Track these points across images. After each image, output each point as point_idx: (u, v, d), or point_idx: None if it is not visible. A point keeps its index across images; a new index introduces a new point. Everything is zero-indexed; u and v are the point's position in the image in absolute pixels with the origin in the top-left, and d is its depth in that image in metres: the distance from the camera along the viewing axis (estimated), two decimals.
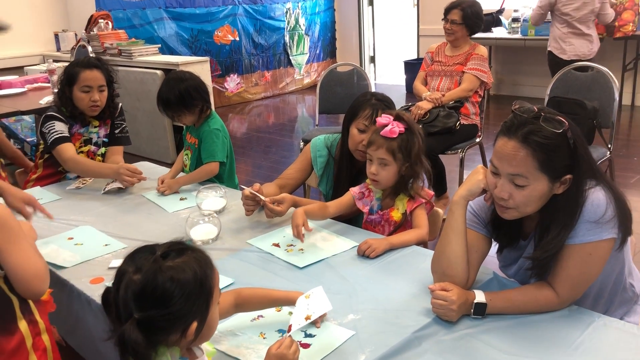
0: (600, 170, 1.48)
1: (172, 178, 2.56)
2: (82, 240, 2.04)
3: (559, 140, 1.34)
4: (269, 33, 8.11)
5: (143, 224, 2.17)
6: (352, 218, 2.19)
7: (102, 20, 5.64)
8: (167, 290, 1.01)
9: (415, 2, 7.87)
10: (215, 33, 7.44)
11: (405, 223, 1.98)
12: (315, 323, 1.43)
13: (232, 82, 7.75)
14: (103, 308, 1.07)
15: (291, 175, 2.33)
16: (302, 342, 1.38)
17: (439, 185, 3.73)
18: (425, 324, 1.44)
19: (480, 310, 1.44)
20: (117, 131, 2.78)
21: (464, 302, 1.43)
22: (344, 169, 2.22)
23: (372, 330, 1.43)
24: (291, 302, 1.44)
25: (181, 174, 2.67)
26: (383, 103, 2.14)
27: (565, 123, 1.34)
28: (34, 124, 4.68)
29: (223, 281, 1.68)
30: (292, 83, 8.60)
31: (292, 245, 1.92)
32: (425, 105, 3.55)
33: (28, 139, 4.74)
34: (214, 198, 2.26)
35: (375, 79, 8.99)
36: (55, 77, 4.08)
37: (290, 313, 1.50)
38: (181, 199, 2.42)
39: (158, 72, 4.96)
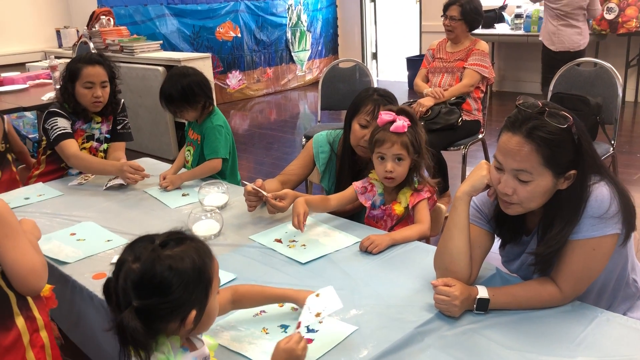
0: (604, 165, 1.47)
1: (173, 174, 2.56)
2: (84, 236, 2.04)
3: (564, 135, 1.33)
4: (270, 29, 8.10)
5: (145, 220, 2.17)
6: (354, 214, 2.19)
7: (103, 17, 5.63)
8: (166, 279, 1.02)
9: None
10: (217, 29, 7.44)
11: (407, 217, 1.98)
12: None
13: (234, 79, 7.75)
14: (105, 298, 1.08)
15: (293, 171, 2.33)
16: (304, 337, 1.38)
17: (442, 181, 3.72)
18: (428, 320, 1.44)
19: (482, 306, 1.44)
20: (119, 127, 2.77)
21: (466, 298, 1.43)
22: (346, 165, 2.22)
23: (375, 325, 1.43)
24: (287, 299, 1.45)
25: (183, 170, 2.67)
26: (385, 99, 2.13)
27: (569, 118, 1.34)
28: (36, 121, 4.69)
29: (225, 277, 1.68)
30: (294, 79, 8.59)
31: (294, 240, 1.92)
32: (426, 102, 3.54)
33: (30, 136, 4.75)
34: (216, 194, 2.26)
35: (377, 76, 8.98)
36: (57, 74, 4.08)
37: (293, 309, 1.50)
38: (183, 195, 2.42)
39: (160, 68, 4.96)
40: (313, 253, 1.82)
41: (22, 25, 6.49)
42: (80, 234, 2.06)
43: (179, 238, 1.09)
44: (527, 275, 1.57)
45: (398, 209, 1.98)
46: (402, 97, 6.12)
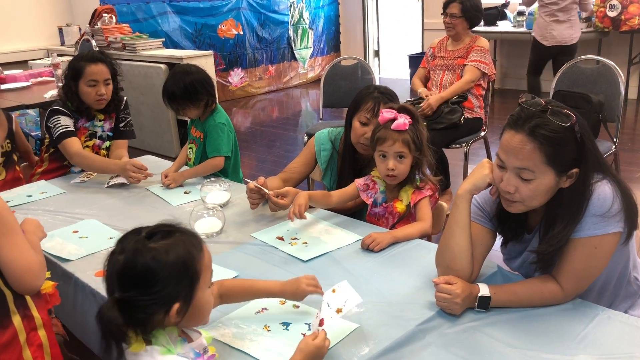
0: (607, 163, 1.47)
1: (175, 172, 2.56)
2: (87, 233, 2.05)
3: (566, 133, 1.33)
4: (273, 27, 8.10)
5: (147, 218, 2.17)
6: (356, 211, 2.20)
7: (106, 14, 5.64)
8: (146, 271, 1.02)
9: None
10: (219, 27, 7.44)
11: (409, 215, 1.98)
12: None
13: (236, 76, 7.75)
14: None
15: (295, 169, 2.33)
16: (306, 335, 1.38)
17: (443, 179, 3.72)
18: (429, 317, 1.44)
19: (484, 304, 1.44)
20: (121, 125, 2.78)
21: (468, 296, 1.43)
22: (348, 163, 2.22)
23: (376, 323, 1.43)
24: (273, 294, 1.44)
25: (184, 168, 2.68)
26: (385, 96, 2.13)
27: (572, 116, 1.33)
28: (39, 118, 4.70)
29: (227, 274, 1.69)
30: (296, 77, 8.59)
31: (296, 238, 1.92)
32: (435, 103, 3.53)
33: (33, 133, 4.76)
34: (218, 191, 2.26)
35: (379, 73, 8.97)
36: (59, 71, 4.09)
37: (295, 306, 1.50)
38: (185, 193, 2.43)
39: (162, 66, 4.96)
40: (315, 251, 1.82)
41: (25, 23, 6.49)
42: (82, 231, 2.06)
43: (168, 231, 1.08)
44: (529, 273, 1.57)
45: (400, 206, 1.98)
46: (404, 95, 6.12)
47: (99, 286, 1.65)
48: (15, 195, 2.45)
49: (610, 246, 1.41)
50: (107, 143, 2.75)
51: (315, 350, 1.19)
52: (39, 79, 4.73)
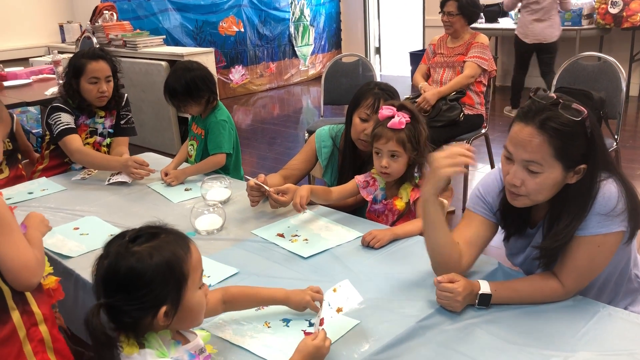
0: (613, 162, 1.46)
1: (174, 169, 2.56)
2: (87, 230, 2.05)
3: (576, 128, 1.32)
4: (273, 24, 8.09)
5: (148, 215, 2.17)
6: (356, 208, 2.20)
7: (106, 12, 5.63)
8: (130, 275, 1.00)
9: None
10: (220, 24, 7.43)
11: (409, 212, 1.98)
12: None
13: (237, 74, 7.74)
14: None
15: (296, 165, 2.33)
16: (306, 332, 1.39)
17: None
18: (430, 314, 1.44)
19: (484, 301, 1.44)
20: (122, 122, 2.78)
21: (469, 294, 1.43)
22: (348, 159, 2.22)
23: (377, 319, 1.43)
24: (278, 302, 1.44)
25: (185, 165, 2.68)
26: (386, 92, 2.13)
27: (584, 112, 1.32)
28: (40, 116, 4.70)
29: (227, 271, 1.69)
30: (297, 74, 8.58)
31: (296, 235, 1.92)
32: (432, 98, 3.52)
33: (34, 131, 4.75)
34: (218, 188, 2.26)
35: (380, 70, 8.96)
36: (60, 68, 4.09)
37: None
38: (186, 190, 2.43)
39: (163, 63, 4.95)
40: (315, 247, 1.82)
41: (26, 20, 6.49)
42: (83, 228, 2.07)
43: (152, 233, 1.06)
44: (531, 269, 1.57)
45: (399, 204, 1.98)
46: (405, 92, 6.11)
47: None
48: (16, 192, 2.45)
49: (612, 245, 1.40)
50: (107, 140, 2.75)
51: (314, 350, 1.18)
52: (40, 76, 4.73)
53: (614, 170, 1.42)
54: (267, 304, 1.47)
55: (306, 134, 3.97)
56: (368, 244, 1.81)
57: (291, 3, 8.24)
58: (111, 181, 2.53)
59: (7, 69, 4.84)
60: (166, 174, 2.50)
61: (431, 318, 1.42)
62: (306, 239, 1.89)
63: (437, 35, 3.93)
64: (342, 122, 2.30)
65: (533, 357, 1.26)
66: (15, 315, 1.41)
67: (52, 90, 4.00)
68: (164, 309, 1.02)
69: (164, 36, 5.73)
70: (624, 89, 3.23)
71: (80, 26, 6.32)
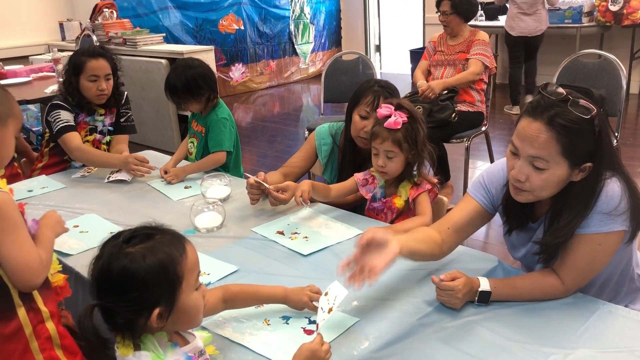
0: (619, 161, 1.44)
1: (173, 166, 2.56)
2: (87, 228, 2.05)
3: (585, 126, 1.31)
4: (274, 22, 8.08)
5: (148, 212, 2.17)
6: (356, 206, 2.19)
7: (106, 9, 5.63)
8: (122, 277, 0.99)
9: None
10: (220, 22, 7.42)
11: (408, 210, 1.98)
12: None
13: (237, 72, 7.74)
14: None
15: (295, 163, 2.33)
16: (306, 329, 1.39)
17: (442, 173, 3.71)
18: (429, 311, 1.44)
19: (484, 298, 1.44)
20: (122, 120, 2.77)
21: (468, 291, 1.43)
22: (348, 157, 2.22)
23: (376, 317, 1.43)
24: (277, 300, 1.43)
25: (184, 162, 2.67)
26: (385, 90, 2.13)
27: (593, 109, 1.31)
28: (40, 114, 4.69)
29: (227, 269, 1.69)
30: (297, 72, 8.58)
31: (296, 232, 1.92)
32: (437, 87, 3.48)
33: (34, 129, 4.76)
34: (218, 186, 2.26)
35: (380, 68, 8.95)
36: (60, 66, 4.09)
37: None
38: (186, 188, 2.43)
39: (163, 61, 4.95)
40: (315, 245, 1.82)
41: (26, 18, 6.49)
42: (83, 226, 2.06)
43: (147, 234, 1.05)
44: (531, 263, 1.57)
45: (398, 202, 1.97)
46: (405, 90, 6.11)
47: None
48: (16, 190, 2.45)
49: (613, 244, 1.40)
50: (107, 138, 2.75)
51: (309, 354, 1.17)
52: (40, 74, 4.73)
53: (618, 169, 1.41)
54: (266, 302, 1.46)
55: (306, 132, 3.97)
56: None
57: (291, 1, 8.23)
58: (111, 179, 2.52)
59: (7, 67, 4.84)
60: (165, 172, 2.50)
61: (431, 315, 1.42)
62: (306, 237, 1.89)
63: (437, 33, 3.93)
64: (342, 119, 2.29)
65: (533, 354, 1.26)
66: (22, 312, 1.41)
67: (52, 88, 4.00)
68: (157, 310, 1.01)
69: (164, 34, 5.73)
70: (624, 86, 3.22)
71: (80, 24, 6.31)
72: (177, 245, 1.06)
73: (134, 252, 1.01)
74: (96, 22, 5.60)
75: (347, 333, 1.37)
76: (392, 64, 9.01)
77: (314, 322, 1.41)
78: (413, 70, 7.56)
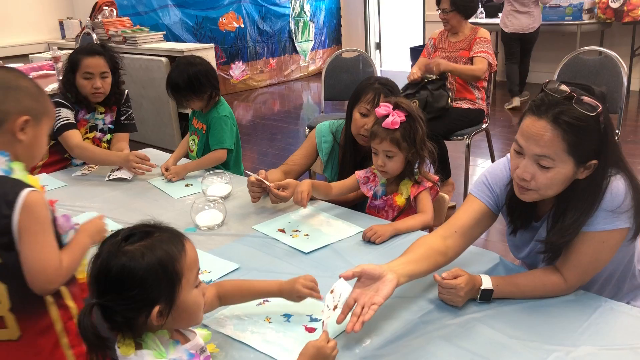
0: (623, 158, 1.43)
1: (173, 164, 2.56)
2: None
3: (591, 123, 1.29)
4: (274, 20, 8.07)
5: (149, 211, 2.17)
6: (357, 204, 2.19)
7: (106, 8, 5.62)
8: (121, 275, 0.99)
9: None
10: (220, 20, 7.41)
11: (409, 208, 1.98)
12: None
13: (237, 70, 7.73)
14: None
15: (296, 161, 2.33)
16: (307, 327, 1.39)
17: (443, 170, 3.71)
18: (431, 309, 1.44)
19: (486, 296, 1.44)
20: (122, 118, 2.77)
21: (471, 289, 1.43)
22: (349, 155, 2.22)
23: (378, 315, 1.41)
24: (272, 294, 1.42)
25: (184, 160, 2.67)
26: (386, 87, 2.12)
27: (598, 106, 1.29)
28: None
29: (228, 267, 1.69)
30: (298, 70, 8.57)
31: (297, 230, 1.92)
32: (443, 64, 3.48)
33: None
34: (219, 184, 2.26)
35: (381, 66, 8.95)
36: (60, 65, 4.07)
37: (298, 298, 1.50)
38: (186, 185, 2.42)
39: (163, 59, 4.94)
40: (316, 243, 1.82)
41: (26, 16, 6.48)
42: None
43: (146, 232, 1.04)
44: (535, 263, 1.56)
45: (399, 200, 1.97)
46: None
47: None
48: None
49: (617, 241, 1.40)
50: (108, 136, 2.75)
51: (315, 351, 1.17)
52: (40, 72, 4.72)
53: (623, 167, 1.40)
54: (261, 296, 1.45)
55: (307, 130, 3.96)
56: (369, 239, 1.80)
57: None
58: (112, 177, 2.52)
59: (7, 65, 4.83)
60: (166, 169, 2.50)
61: (433, 313, 1.42)
62: (307, 234, 1.88)
63: (438, 30, 3.92)
64: (343, 117, 2.29)
65: (535, 351, 1.26)
66: (53, 309, 1.40)
67: (52, 87, 3.99)
68: (157, 308, 1.00)
69: (164, 32, 5.71)
70: (625, 83, 3.22)
71: (80, 22, 6.30)
72: (176, 243, 1.05)
73: (133, 250, 1.01)
74: (96, 20, 5.59)
75: None
76: (393, 62, 9.00)
77: (316, 319, 1.41)
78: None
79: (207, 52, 4.97)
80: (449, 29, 3.75)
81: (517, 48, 5.94)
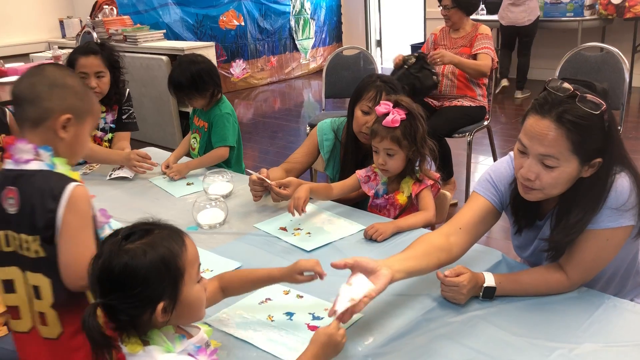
0: (628, 156, 1.42)
1: (174, 162, 2.56)
2: None
3: (595, 121, 1.28)
4: (274, 17, 8.06)
5: (150, 209, 2.16)
6: (358, 202, 2.19)
7: (106, 6, 5.62)
8: (124, 274, 0.99)
9: None
10: (221, 18, 7.40)
11: (411, 206, 1.97)
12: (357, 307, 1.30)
13: (238, 68, 7.72)
14: None
15: (297, 159, 2.32)
16: (310, 325, 1.39)
17: (445, 169, 3.70)
18: (433, 307, 1.43)
19: (489, 294, 1.43)
20: (124, 117, 2.77)
21: (473, 286, 1.42)
22: (350, 152, 2.21)
23: (381, 312, 1.42)
24: (273, 280, 1.39)
25: (185, 159, 2.67)
26: (388, 85, 2.12)
27: (602, 104, 1.28)
28: None
29: (230, 265, 1.69)
30: (298, 68, 8.56)
31: (299, 228, 1.91)
32: (447, 56, 3.47)
33: None
34: (220, 182, 2.26)
35: (381, 63, 8.93)
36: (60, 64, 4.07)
37: (299, 296, 1.50)
38: (188, 184, 2.42)
39: (164, 58, 4.94)
40: (318, 241, 1.82)
41: (26, 15, 6.48)
42: None
43: (145, 229, 1.05)
44: (539, 261, 1.56)
45: (401, 198, 1.97)
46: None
47: None
48: None
49: (621, 239, 1.39)
50: (109, 135, 2.74)
51: (326, 338, 1.17)
52: None
53: (627, 164, 1.39)
54: (264, 283, 1.42)
55: (308, 128, 3.96)
56: (371, 237, 1.80)
57: None
58: (113, 176, 2.52)
59: (7, 65, 4.82)
60: (167, 167, 2.49)
61: (435, 311, 1.42)
62: (309, 233, 1.88)
63: (439, 26, 3.91)
64: (344, 115, 2.29)
65: (538, 349, 1.26)
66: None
67: None
68: (161, 305, 1.01)
69: (164, 30, 5.71)
70: (627, 79, 3.21)
71: (81, 21, 6.30)
72: (176, 239, 1.06)
73: (134, 248, 1.01)
74: (96, 19, 5.59)
75: (351, 329, 1.36)
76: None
77: (318, 318, 1.41)
78: None
79: (208, 51, 4.96)
80: (450, 25, 3.74)
81: (514, 39, 6.08)
